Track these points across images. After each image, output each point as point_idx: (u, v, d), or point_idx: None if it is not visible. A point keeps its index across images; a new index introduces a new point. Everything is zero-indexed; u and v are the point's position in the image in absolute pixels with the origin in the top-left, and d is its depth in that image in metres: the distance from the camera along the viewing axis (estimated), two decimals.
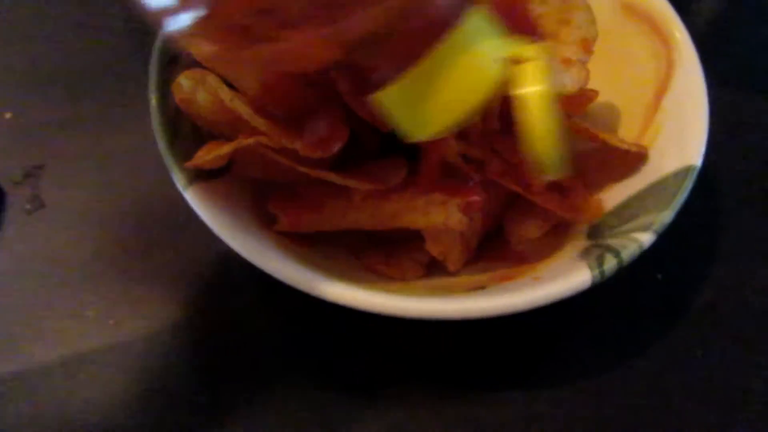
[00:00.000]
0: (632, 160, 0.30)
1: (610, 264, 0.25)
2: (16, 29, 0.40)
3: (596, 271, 0.25)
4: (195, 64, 0.27)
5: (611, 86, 0.32)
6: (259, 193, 0.30)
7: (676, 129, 0.29)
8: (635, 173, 0.30)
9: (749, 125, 0.38)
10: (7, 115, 0.36)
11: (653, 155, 0.29)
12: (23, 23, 0.40)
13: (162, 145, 0.27)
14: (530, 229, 0.30)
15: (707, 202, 0.35)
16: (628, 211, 0.28)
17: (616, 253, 0.25)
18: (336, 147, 0.26)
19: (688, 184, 0.27)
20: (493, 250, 0.30)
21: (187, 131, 0.28)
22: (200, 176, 0.27)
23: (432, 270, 0.29)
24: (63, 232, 0.33)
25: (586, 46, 0.27)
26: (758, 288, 0.33)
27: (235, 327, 0.30)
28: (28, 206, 0.34)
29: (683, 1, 0.38)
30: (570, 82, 0.26)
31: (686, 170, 0.27)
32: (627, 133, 0.32)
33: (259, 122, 0.25)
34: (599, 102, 0.32)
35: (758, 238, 0.35)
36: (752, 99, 0.39)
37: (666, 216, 0.26)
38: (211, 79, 0.25)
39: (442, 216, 0.26)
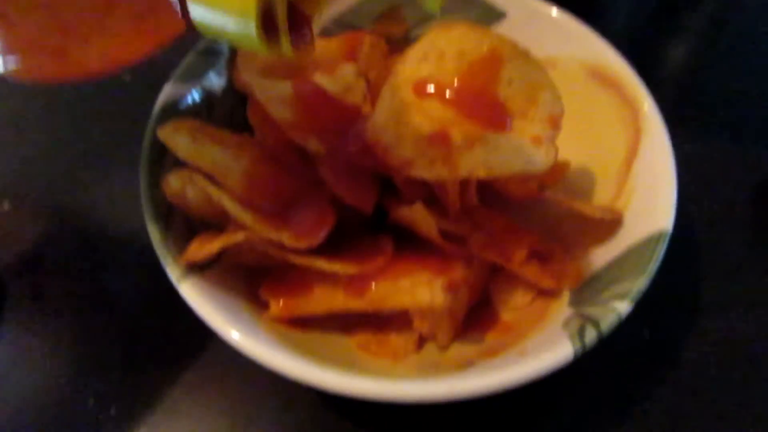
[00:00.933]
0: (607, 225, 0.31)
1: (591, 336, 0.26)
2: (11, 120, 0.41)
3: (578, 345, 0.26)
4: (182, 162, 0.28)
5: (585, 151, 0.34)
6: (252, 277, 0.31)
7: (648, 193, 0.30)
8: (612, 237, 0.31)
9: (722, 177, 0.39)
10: (5, 206, 0.37)
11: (628, 219, 0.30)
12: (20, 114, 0.41)
13: (155, 239, 0.28)
14: (516, 298, 0.31)
15: (687, 255, 0.36)
16: (606, 277, 0.29)
17: (596, 324, 0.26)
18: (322, 235, 0.28)
19: (661, 250, 0.28)
20: (481, 320, 0.31)
21: (179, 220, 0.29)
22: (193, 269, 0.28)
23: (423, 343, 0.30)
24: (63, 321, 0.34)
25: (554, 122, 0.28)
26: (743, 338, 0.34)
27: (237, 411, 0.31)
28: (28, 297, 0.35)
29: (655, 48, 0.40)
30: (539, 161, 0.27)
31: (658, 236, 0.28)
32: (602, 196, 0.33)
33: (245, 218, 0.26)
34: (575, 166, 0.34)
35: (739, 288, 0.36)
36: (725, 150, 0.40)
37: (641, 283, 0.27)
38: (198, 178, 0.26)
39: (427, 296, 0.27)
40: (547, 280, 0.30)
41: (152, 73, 0.42)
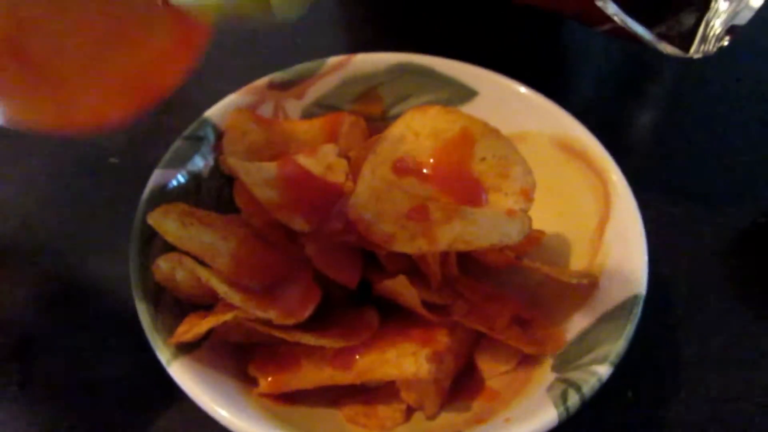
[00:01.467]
0: (584, 289, 0.32)
1: (573, 400, 0.27)
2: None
3: (561, 409, 0.26)
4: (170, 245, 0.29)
5: (558, 219, 0.35)
6: (239, 353, 0.31)
7: (621, 259, 0.32)
8: (589, 302, 0.32)
9: (692, 237, 0.41)
10: None
11: (603, 283, 0.32)
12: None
13: (145, 322, 0.28)
14: (500, 363, 0.32)
15: (665, 315, 0.37)
16: (586, 341, 0.30)
17: (578, 388, 0.27)
18: (308, 311, 0.28)
19: (636, 313, 0.29)
20: (468, 387, 0.32)
21: (168, 301, 0.30)
22: (182, 349, 0.28)
23: (411, 413, 0.31)
24: (52, 405, 0.34)
25: (526, 194, 0.30)
26: (722, 396, 0.35)
27: None
28: (16, 383, 0.35)
29: (619, 118, 0.42)
30: (514, 233, 0.28)
31: (633, 299, 0.29)
32: (578, 261, 0.34)
33: (234, 298, 0.27)
34: (550, 234, 0.35)
35: (718, 345, 0.37)
36: (692, 211, 0.42)
37: (620, 346, 0.28)
38: (187, 261, 0.27)
39: (413, 367, 0.27)
40: (530, 346, 0.31)
41: (140, 155, 0.44)
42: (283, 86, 0.38)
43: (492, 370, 0.32)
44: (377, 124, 0.40)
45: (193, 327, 0.27)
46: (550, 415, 0.26)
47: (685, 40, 0.35)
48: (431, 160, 0.30)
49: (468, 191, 0.30)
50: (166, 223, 0.29)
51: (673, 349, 0.36)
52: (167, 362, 0.27)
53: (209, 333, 0.30)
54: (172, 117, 0.46)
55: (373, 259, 0.31)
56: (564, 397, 0.27)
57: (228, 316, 0.27)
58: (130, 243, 0.31)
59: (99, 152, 0.44)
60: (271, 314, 0.27)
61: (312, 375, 0.29)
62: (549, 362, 0.31)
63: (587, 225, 0.34)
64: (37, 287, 0.38)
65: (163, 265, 0.28)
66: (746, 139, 0.46)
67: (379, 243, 0.29)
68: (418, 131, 0.31)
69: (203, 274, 0.27)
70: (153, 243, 0.31)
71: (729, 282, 0.39)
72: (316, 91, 0.39)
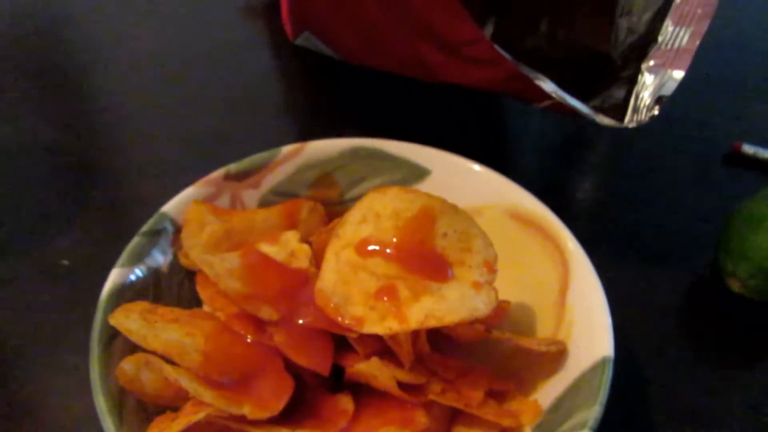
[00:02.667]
0: (553, 356, 0.33)
1: None
2: None
3: None
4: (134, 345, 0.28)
5: (521, 290, 0.36)
6: None
7: (585, 323, 0.32)
8: (559, 370, 0.32)
9: (650, 295, 0.42)
10: None
11: (572, 349, 0.32)
12: None
13: (108, 428, 0.27)
14: None
15: (633, 374, 0.38)
16: (562, 408, 0.30)
17: None
18: (282, 403, 0.28)
19: (608, 376, 0.29)
20: None
21: (132, 405, 0.29)
22: None
23: None
24: None
25: (490, 266, 0.31)
26: None
27: None
28: None
29: (565, 186, 0.43)
30: (482, 305, 0.29)
31: (602, 362, 0.30)
32: (544, 329, 0.35)
33: (206, 395, 0.26)
34: (514, 304, 0.36)
35: (688, 401, 0.37)
36: (639, 270, 0.44)
37: (596, 411, 0.28)
38: (154, 360, 0.26)
39: None
40: (507, 418, 0.31)
41: (93, 256, 0.43)
42: (239, 177, 0.39)
43: None
44: (335, 208, 0.40)
45: (164, 429, 0.26)
46: None
47: (618, 111, 0.37)
48: (394, 240, 0.31)
49: (433, 267, 0.30)
50: (129, 322, 0.28)
51: (644, 408, 0.37)
52: None
53: None
54: (123, 216, 0.46)
55: (343, 342, 0.31)
56: None
57: (200, 415, 0.25)
58: (90, 347, 0.30)
59: (51, 254, 0.43)
60: (245, 409, 0.26)
61: None
62: None
63: (549, 293, 0.35)
64: None
65: (127, 367, 0.27)
66: (683, 198, 0.49)
67: (349, 326, 0.29)
68: (379, 212, 0.31)
69: (171, 373, 0.26)
70: (114, 345, 0.30)
71: (690, 337, 0.40)
72: (272, 179, 0.40)
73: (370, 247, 0.31)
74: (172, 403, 0.29)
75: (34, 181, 0.48)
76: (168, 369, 0.26)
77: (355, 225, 0.32)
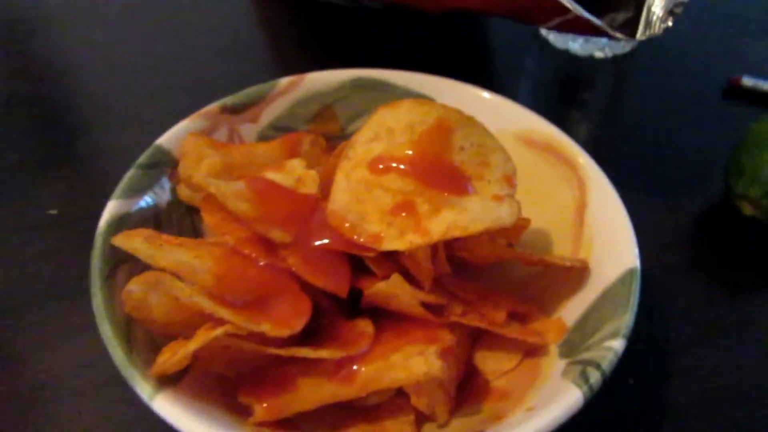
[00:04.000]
0: (576, 275, 0.32)
1: (595, 377, 0.25)
2: None
3: (585, 388, 0.25)
4: (144, 267, 0.26)
5: (535, 213, 0.35)
6: (223, 386, 0.28)
7: (606, 238, 0.31)
8: (583, 287, 0.31)
9: (660, 222, 0.41)
10: None
11: (594, 265, 0.31)
12: None
13: (118, 356, 0.25)
14: (503, 362, 0.31)
15: (650, 299, 0.37)
16: (589, 323, 0.29)
17: (597, 366, 0.26)
18: (302, 322, 0.26)
19: (636, 286, 0.29)
20: (473, 392, 0.30)
21: (140, 336, 0.27)
22: (164, 383, 0.25)
23: (420, 425, 0.28)
24: None
25: (509, 180, 0.29)
26: (715, 371, 0.34)
27: None
28: None
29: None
30: (506, 215, 0.27)
31: (629, 273, 0.29)
32: (562, 250, 0.34)
33: (223, 313, 0.24)
34: (529, 229, 0.34)
35: (713, 325, 0.36)
36: (648, 200, 0.43)
37: (628, 319, 0.27)
38: (166, 279, 0.25)
39: (423, 367, 0.25)
40: (532, 336, 0.30)
41: (79, 203, 0.41)
42: (236, 110, 0.37)
43: (495, 370, 0.31)
44: (336, 142, 0.38)
45: (177, 352, 0.24)
46: (575, 396, 0.25)
47: (629, 27, 0.36)
48: (409, 155, 0.29)
49: (451, 181, 0.29)
50: (134, 243, 0.26)
51: (663, 332, 0.36)
52: (149, 397, 0.24)
53: (188, 368, 0.27)
54: (107, 163, 0.44)
55: (358, 268, 0.29)
56: (584, 376, 0.25)
57: (218, 331, 0.24)
58: (90, 278, 0.28)
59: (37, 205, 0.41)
60: (264, 327, 0.25)
61: (312, 394, 0.26)
62: (555, 351, 0.29)
63: (565, 214, 0.34)
64: None
65: (135, 288, 0.25)
66: (684, 132, 0.48)
67: (367, 244, 0.28)
68: (392, 127, 0.30)
69: (185, 290, 0.24)
70: (116, 278, 0.29)
71: (704, 260, 0.40)
72: (270, 113, 0.38)
73: (384, 164, 0.29)
74: (183, 331, 0.27)
75: (14, 133, 0.46)
76: (181, 286, 0.24)
77: (365, 144, 0.30)
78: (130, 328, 0.27)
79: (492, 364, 0.31)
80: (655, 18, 0.35)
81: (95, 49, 0.53)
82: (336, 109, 0.39)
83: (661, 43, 0.52)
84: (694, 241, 0.41)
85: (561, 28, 0.38)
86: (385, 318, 0.29)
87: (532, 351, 0.30)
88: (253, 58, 0.53)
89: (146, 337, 0.27)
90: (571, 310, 0.31)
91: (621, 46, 0.53)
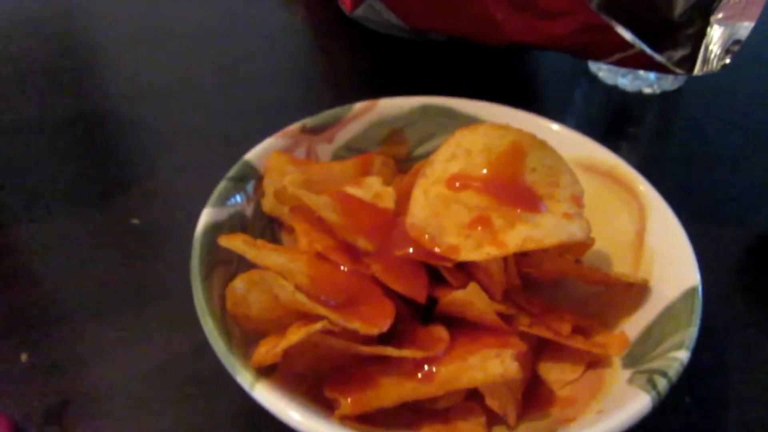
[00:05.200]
0: (636, 294, 0.33)
1: (662, 384, 0.27)
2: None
3: (653, 393, 0.27)
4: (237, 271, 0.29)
5: (597, 236, 0.37)
6: (307, 386, 0.30)
7: (667, 259, 0.33)
8: (643, 305, 0.33)
9: (722, 249, 0.43)
10: (23, 357, 0.36)
11: (654, 285, 0.33)
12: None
13: (220, 347, 0.28)
14: (567, 372, 0.32)
15: (713, 321, 0.38)
16: (651, 337, 0.31)
17: (663, 374, 0.27)
18: (389, 322, 0.28)
19: (698, 303, 0.30)
20: (538, 400, 0.32)
21: (236, 334, 0.29)
22: (261, 373, 0.27)
23: (490, 428, 0.30)
24: None
25: (577, 201, 0.31)
26: None
27: None
28: None
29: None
30: (578, 231, 0.29)
31: (691, 291, 0.31)
32: (621, 271, 0.35)
33: (319, 309, 0.26)
34: (590, 251, 0.36)
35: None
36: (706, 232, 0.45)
37: (692, 332, 0.29)
38: (269, 277, 0.27)
39: (500, 368, 0.27)
40: (596, 347, 0.31)
41: (160, 216, 0.44)
42: (315, 131, 0.40)
43: (559, 380, 0.32)
44: (404, 165, 0.41)
45: (276, 345, 0.27)
46: (643, 400, 0.26)
47: (687, 64, 0.38)
48: (485, 174, 0.32)
49: (525, 199, 0.31)
50: (237, 243, 0.29)
51: (720, 352, 0.37)
52: (251, 385, 0.27)
53: (275, 366, 0.29)
54: (184, 178, 0.47)
55: (434, 279, 0.31)
56: (652, 382, 0.27)
57: (317, 326, 0.26)
58: (192, 278, 0.30)
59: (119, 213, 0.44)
60: (356, 325, 0.27)
61: (394, 391, 0.28)
62: (618, 363, 0.31)
63: (625, 237, 0.36)
64: (66, 349, 0.36)
65: (239, 285, 0.28)
66: (734, 166, 0.50)
67: (445, 255, 0.30)
68: (470, 149, 0.32)
69: (288, 287, 0.26)
70: (212, 279, 0.31)
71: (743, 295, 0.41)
72: (345, 134, 0.41)
73: (462, 182, 0.32)
74: (273, 329, 0.30)
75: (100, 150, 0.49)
76: (284, 283, 0.27)
77: (443, 163, 0.33)
78: (227, 324, 0.29)
79: (556, 374, 0.32)
80: (712, 56, 0.38)
81: (172, 71, 0.57)
82: (406, 133, 0.42)
83: (709, 79, 0.54)
84: (749, 271, 0.42)
85: (619, 63, 0.41)
86: (457, 326, 0.31)
87: (595, 363, 0.32)
88: (314, 84, 0.57)
89: (240, 335, 0.30)
90: (633, 327, 0.32)
91: (669, 82, 0.56)
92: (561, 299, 0.35)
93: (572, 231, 0.29)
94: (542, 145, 0.32)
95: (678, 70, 0.38)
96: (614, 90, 0.57)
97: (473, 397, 0.30)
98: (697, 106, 0.56)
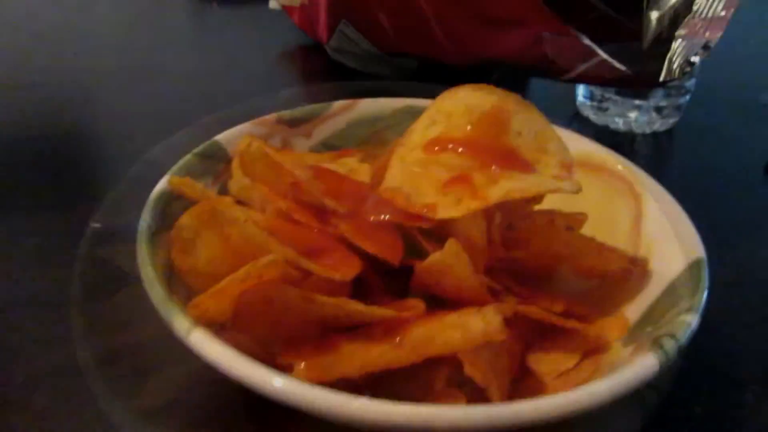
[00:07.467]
0: (635, 281, 0.30)
1: (670, 344, 0.23)
2: None
3: (659, 352, 0.23)
4: None
5: (593, 229, 0.34)
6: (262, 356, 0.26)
7: (667, 239, 0.30)
8: (643, 289, 0.29)
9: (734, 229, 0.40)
10: None
11: (657, 264, 0.30)
12: None
13: (157, 292, 0.24)
14: (560, 362, 0.28)
15: (716, 330, 0.35)
16: (656, 311, 0.27)
17: (672, 336, 0.24)
18: (352, 273, 0.25)
19: (705, 273, 0.27)
20: (529, 392, 0.27)
21: (180, 292, 0.26)
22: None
23: None
24: None
25: (567, 167, 0.29)
26: None
27: None
28: None
29: None
30: (569, 186, 0.27)
31: (697, 263, 0.27)
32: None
33: (273, 244, 0.23)
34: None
35: None
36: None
37: (700, 298, 0.25)
38: (221, 206, 0.24)
39: (481, 324, 0.24)
40: (593, 330, 0.28)
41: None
42: (291, 123, 0.38)
43: (552, 371, 0.28)
44: None
45: (218, 289, 0.23)
46: (649, 359, 0.22)
47: (652, 76, 0.37)
48: (466, 135, 0.29)
49: (509, 161, 0.28)
50: (195, 187, 0.26)
51: (730, 362, 0.33)
52: (187, 332, 0.23)
53: (224, 326, 0.25)
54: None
55: (410, 252, 0.28)
56: (659, 344, 0.23)
57: (267, 259, 0.23)
58: (138, 236, 0.27)
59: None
60: (313, 266, 0.23)
61: (357, 356, 0.24)
62: (618, 346, 0.27)
63: (622, 226, 0.33)
64: None
65: (188, 222, 0.25)
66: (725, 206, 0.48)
67: (421, 214, 0.27)
68: (451, 111, 0.30)
69: (240, 216, 0.23)
70: (160, 239, 0.28)
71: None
72: (323, 130, 0.39)
73: (441, 145, 0.29)
74: None
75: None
76: (236, 212, 0.23)
77: (422, 130, 0.31)
78: (171, 281, 0.26)
79: (548, 365, 0.28)
80: (676, 67, 0.37)
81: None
82: (386, 134, 0.40)
83: (702, 121, 0.53)
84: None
85: (585, 79, 0.40)
86: (436, 302, 0.28)
87: (592, 351, 0.28)
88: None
89: (185, 293, 0.26)
90: (633, 310, 0.29)
91: (660, 123, 0.55)
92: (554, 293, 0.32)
93: (561, 186, 0.27)
94: (528, 108, 0.30)
95: (642, 81, 0.37)
96: (605, 130, 0.56)
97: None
98: (690, 147, 0.55)
